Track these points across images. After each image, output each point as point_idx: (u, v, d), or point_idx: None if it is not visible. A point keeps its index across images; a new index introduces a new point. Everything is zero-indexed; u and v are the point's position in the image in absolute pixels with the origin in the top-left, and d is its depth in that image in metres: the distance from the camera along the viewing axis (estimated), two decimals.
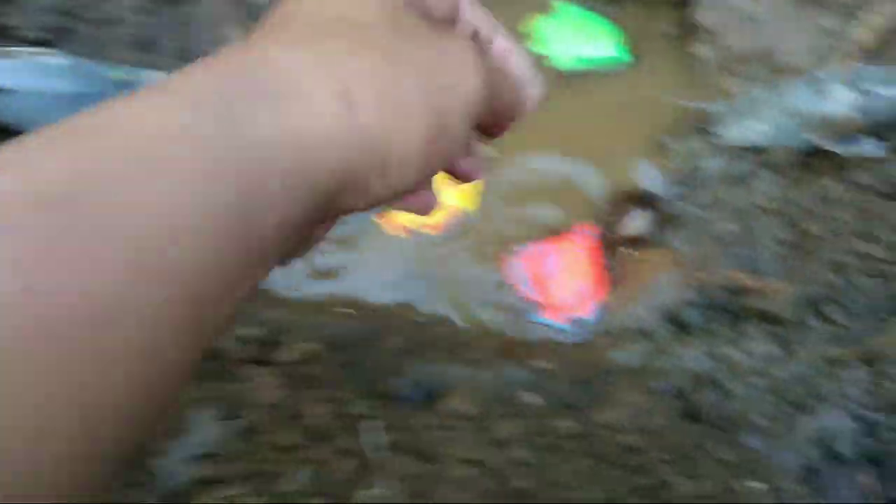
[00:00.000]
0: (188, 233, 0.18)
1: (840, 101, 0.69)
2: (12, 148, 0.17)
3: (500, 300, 0.78)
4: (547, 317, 0.76)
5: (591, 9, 0.96)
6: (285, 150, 0.21)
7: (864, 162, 0.70)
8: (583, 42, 0.93)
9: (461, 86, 0.25)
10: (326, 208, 0.23)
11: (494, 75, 0.27)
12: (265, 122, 0.20)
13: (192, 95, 0.20)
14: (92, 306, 0.16)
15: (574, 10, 0.95)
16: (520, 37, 0.96)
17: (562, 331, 0.76)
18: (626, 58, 0.91)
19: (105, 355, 0.16)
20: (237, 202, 0.19)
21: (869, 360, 0.61)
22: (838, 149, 0.71)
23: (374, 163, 0.23)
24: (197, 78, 0.21)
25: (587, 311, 0.76)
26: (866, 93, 0.69)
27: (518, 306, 0.77)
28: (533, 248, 0.78)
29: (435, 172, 0.26)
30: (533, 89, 0.30)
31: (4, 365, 0.15)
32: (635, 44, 0.93)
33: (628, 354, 0.69)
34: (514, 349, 0.72)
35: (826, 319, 0.65)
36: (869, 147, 0.69)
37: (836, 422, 0.59)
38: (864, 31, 0.76)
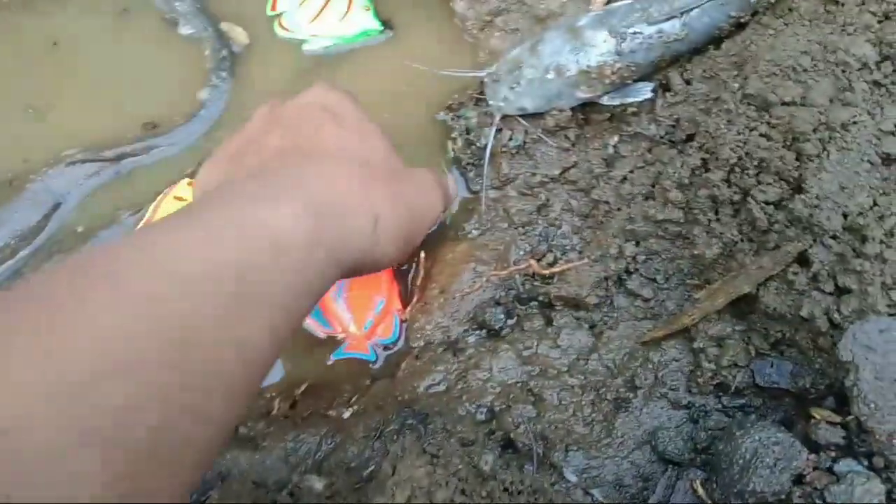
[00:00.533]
0: (302, 309, 0.34)
1: (598, 48, 0.60)
2: (183, 225, 0.31)
3: (294, 342, 0.65)
4: (349, 350, 0.64)
5: None
6: (344, 251, 0.36)
7: (638, 109, 0.62)
8: (334, 18, 0.79)
9: (431, 209, 0.46)
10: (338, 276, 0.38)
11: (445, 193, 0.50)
12: (337, 233, 0.36)
13: (312, 207, 0.34)
14: (250, 348, 0.29)
15: None
16: (265, 21, 0.80)
17: (367, 361, 0.64)
18: (384, 28, 0.79)
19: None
20: (323, 281, 0.35)
21: (683, 337, 0.54)
22: (611, 100, 0.62)
23: (375, 257, 0.40)
24: (309, 192, 0.36)
25: (390, 332, 0.65)
26: (621, 35, 0.60)
27: (315, 345, 0.65)
28: None
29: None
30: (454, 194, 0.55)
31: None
32: (390, 8, 0.81)
33: (436, 378, 0.58)
34: (309, 404, 0.60)
35: (632, 295, 0.57)
36: (639, 92, 0.61)
37: (658, 415, 0.52)
38: None
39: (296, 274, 0.32)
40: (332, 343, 0.64)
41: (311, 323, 0.64)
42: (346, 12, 0.79)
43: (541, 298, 0.60)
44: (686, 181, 0.56)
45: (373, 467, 0.48)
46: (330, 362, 0.63)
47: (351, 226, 0.37)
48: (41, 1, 0.82)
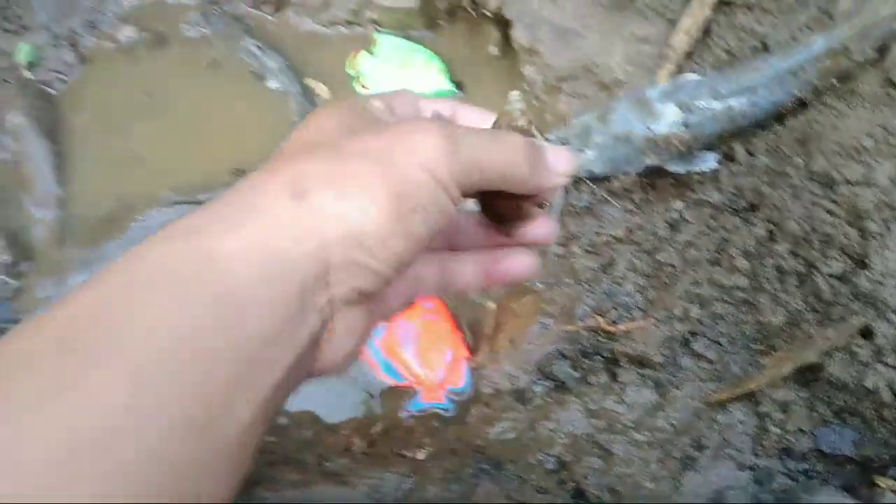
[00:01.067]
0: (177, 353, 0.21)
1: (666, 119, 0.63)
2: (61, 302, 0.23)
3: (367, 392, 0.68)
4: (425, 399, 0.67)
5: (412, 38, 0.87)
6: (251, 253, 0.23)
7: (703, 177, 0.65)
8: (409, 78, 0.84)
9: (415, 150, 0.25)
10: (314, 290, 0.24)
11: (471, 139, 0.27)
12: (226, 232, 0.23)
13: (171, 232, 0.24)
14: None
15: (395, 42, 0.86)
16: (346, 78, 0.85)
17: (440, 409, 0.67)
18: (455, 88, 0.83)
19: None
20: (213, 311, 0.22)
21: (748, 401, 0.56)
22: (676, 167, 0.65)
23: (343, 234, 0.24)
24: (176, 225, 0.24)
25: (459, 380, 0.68)
26: (689, 108, 0.63)
27: (387, 394, 0.68)
28: (385, 328, 0.68)
29: (425, 235, 0.26)
30: (548, 157, 0.29)
31: None
32: (462, 71, 0.85)
33: (505, 425, 0.61)
34: (384, 443, 0.63)
35: (698, 356, 0.59)
36: (704, 161, 0.64)
37: (724, 474, 0.54)
38: (679, 36, 0.71)
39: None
40: (406, 391, 0.67)
41: (381, 375, 0.67)
42: (421, 72, 0.83)
43: (606, 354, 0.63)
44: (752, 250, 0.58)
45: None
46: (407, 414, 0.66)
47: (256, 207, 0.25)
48: (138, 53, 0.87)
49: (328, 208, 0.24)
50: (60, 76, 0.86)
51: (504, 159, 0.27)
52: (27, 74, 0.86)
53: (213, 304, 0.22)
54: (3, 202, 0.78)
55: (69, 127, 0.84)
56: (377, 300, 0.28)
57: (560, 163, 0.30)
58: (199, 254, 0.23)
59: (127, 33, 0.88)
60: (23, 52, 0.86)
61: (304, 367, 0.25)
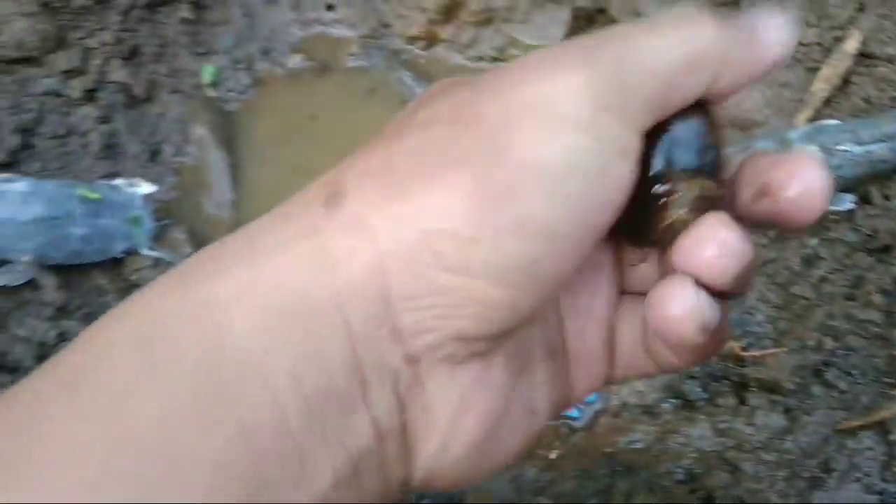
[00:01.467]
0: (126, 467, 0.15)
1: None
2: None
3: None
4: None
5: None
6: (257, 297, 0.17)
7: (839, 217, 0.70)
8: None
9: (516, 91, 0.16)
10: (371, 345, 0.16)
11: (628, 36, 0.17)
12: (227, 269, 0.18)
13: (160, 282, 0.19)
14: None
15: None
16: None
17: (568, 417, 0.73)
18: None
19: None
20: (194, 395, 0.16)
21: (879, 429, 0.59)
22: None
23: (399, 245, 0.16)
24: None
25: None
26: (830, 151, 0.68)
27: None
28: None
29: (571, 219, 0.16)
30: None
31: None
32: None
33: (635, 436, 0.67)
34: None
35: (829, 386, 0.63)
36: (840, 201, 0.69)
37: (852, 496, 0.57)
38: (820, 83, 0.76)
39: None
40: None
41: None
42: None
43: (734, 378, 0.68)
44: (888, 287, 0.62)
45: (588, 497, 0.56)
46: None
47: (289, 215, 0.21)
48: (305, 81, 1.00)
49: (372, 209, 0.17)
50: (237, 95, 1.00)
51: (685, 48, 0.17)
52: (209, 93, 1.00)
53: (200, 383, 0.15)
54: (187, 202, 0.91)
55: (242, 140, 0.97)
56: (544, 364, 0.19)
57: (765, 27, 0.18)
58: (184, 308, 0.17)
59: (296, 61, 1.01)
60: (207, 72, 1.00)
61: (386, 476, 0.17)
